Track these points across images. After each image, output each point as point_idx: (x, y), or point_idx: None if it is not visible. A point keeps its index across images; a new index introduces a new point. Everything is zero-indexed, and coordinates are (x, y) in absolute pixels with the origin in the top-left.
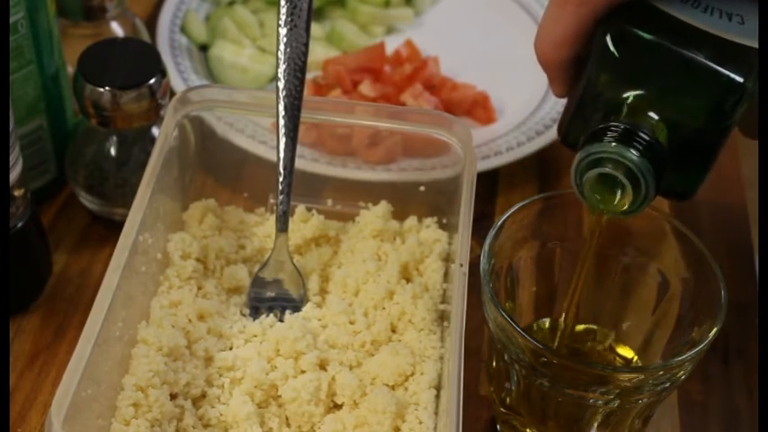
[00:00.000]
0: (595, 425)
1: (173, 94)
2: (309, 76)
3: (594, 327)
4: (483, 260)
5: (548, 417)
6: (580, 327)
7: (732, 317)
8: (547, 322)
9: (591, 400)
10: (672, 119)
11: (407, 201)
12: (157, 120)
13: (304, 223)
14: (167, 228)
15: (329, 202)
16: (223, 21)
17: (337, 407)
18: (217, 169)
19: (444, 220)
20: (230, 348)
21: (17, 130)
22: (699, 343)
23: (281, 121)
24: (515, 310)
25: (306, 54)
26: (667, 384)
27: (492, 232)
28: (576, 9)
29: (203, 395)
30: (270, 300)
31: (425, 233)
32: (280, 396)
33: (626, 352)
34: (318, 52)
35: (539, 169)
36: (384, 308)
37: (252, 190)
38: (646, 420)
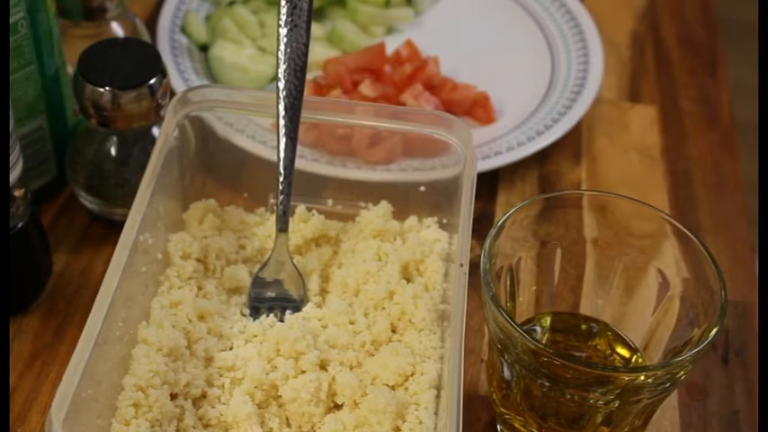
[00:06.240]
0: (595, 425)
1: (173, 94)
2: (309, 76)
3: (595, 326)
4: (483, 260)
5: (548, 416)
6: (581, 326)
7: (732, 317)
8: (547, 320)
9: (591, 400)
10: None
11: (407, 201)
12: (157, 120)
13: (304, 223)
14: (167, 228)
15: (329, 202)
16: (223, 21)
17: (337, 407)
18: (217, 169)
19: (444, 220)
20: (230, 348)
21: (17, 130)
22: (699, 343)
23: (281, 121)
24: (515, 309)
25: (306, 54)
26: (667, 384)
27: (492, 232)
28: None
29: (203, 395)
30: (270, 300)
31: (426, 233)
32: (280, 396)
33: (626, 352)
34: (318, 52)
35: (539, 169)
36: (384, 308)
37: (252, 190)
38: (646, 420)
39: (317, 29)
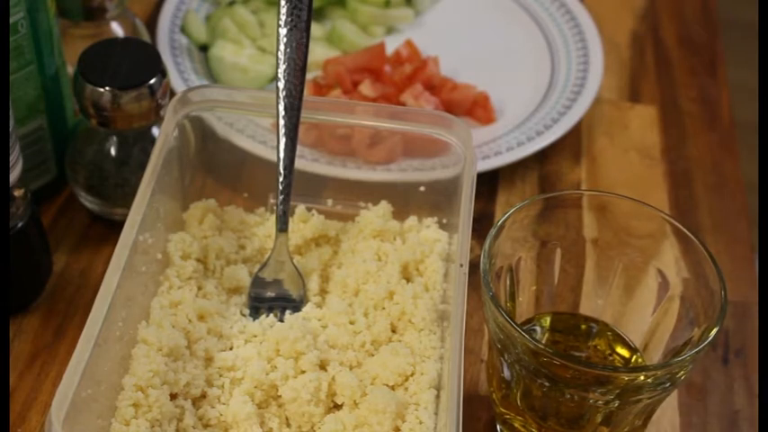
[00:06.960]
0: (595, 425)
1: (173, 94)
2: (309, 76)
3: (594, 326)
4: (483, 260)
5: (548, 416)
6: (580, 326)
7: (732, 317)
8: (547, 320)
9: (591, 400)
10: None
11: (407, 201)
12: (157, 120)
13: (304, 223)
14: (167, 228)
15: (329, 202)
16: (223, 21)
17: (337, 407)
18: (217, 169)
19: (444, 220)
20: (230, 348)
21: (17, 130)
22: (699, 343)
23: (281, 121)
24: (515, 309)
25: (306, 54)
26: (667, 384)
27: (492, 232)
28: None
29: (203, 395)
30: (270, 300)
31: (426, 233)
32: (280, 396)
33: (626, 352)
34: (318, 52)
35: (539, 169)
36: (384, 308)
37: (252, 190)
38: (646, 420)
39: (316, 29)
